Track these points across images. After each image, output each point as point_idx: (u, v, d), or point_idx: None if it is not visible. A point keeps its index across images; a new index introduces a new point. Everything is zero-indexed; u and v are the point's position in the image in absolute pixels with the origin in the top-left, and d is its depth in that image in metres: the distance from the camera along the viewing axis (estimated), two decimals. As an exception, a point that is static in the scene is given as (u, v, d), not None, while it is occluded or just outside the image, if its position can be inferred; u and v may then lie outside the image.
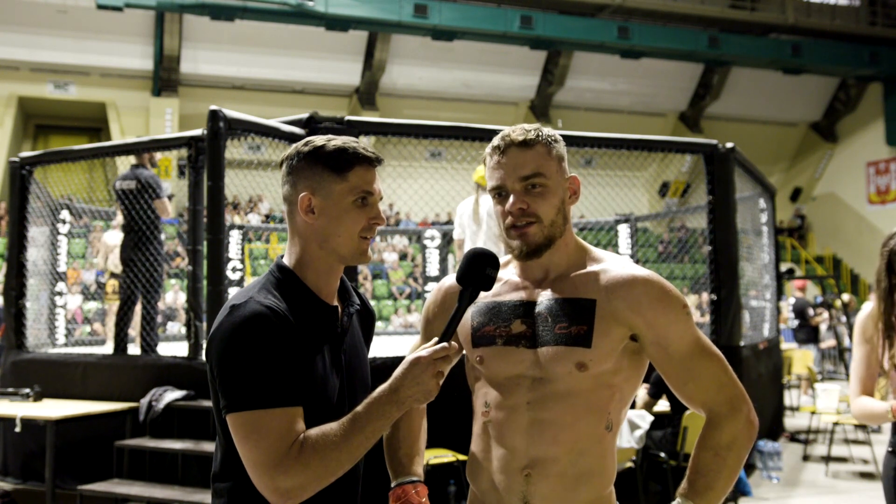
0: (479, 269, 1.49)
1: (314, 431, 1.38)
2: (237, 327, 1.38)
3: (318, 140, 1.52)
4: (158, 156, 6.43)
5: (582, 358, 1.51)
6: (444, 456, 4.44)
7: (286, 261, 1.55)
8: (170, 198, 13.80)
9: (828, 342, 12.24)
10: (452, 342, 1.43)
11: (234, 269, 8.39)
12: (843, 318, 11.43)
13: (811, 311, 11.21)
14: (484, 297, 1.63)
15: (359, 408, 1.40)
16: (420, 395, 1.39)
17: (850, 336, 11.00)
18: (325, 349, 1.50)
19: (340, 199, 1.49)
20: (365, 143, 1.55)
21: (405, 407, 1.40)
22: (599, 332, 1.51)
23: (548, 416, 1.52)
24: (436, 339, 1.43)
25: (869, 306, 2.61)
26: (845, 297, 11.41)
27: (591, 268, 1.59)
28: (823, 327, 12.59)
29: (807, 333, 11.01)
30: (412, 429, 1.72)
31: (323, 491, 1.40)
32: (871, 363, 2.47)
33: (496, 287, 1.62)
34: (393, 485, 1.66)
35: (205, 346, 5.05)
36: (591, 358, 1.51)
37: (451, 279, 1.74)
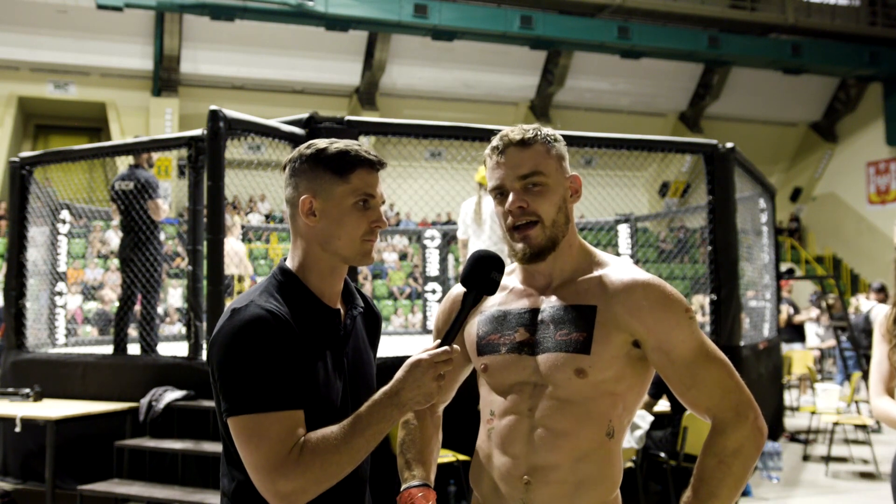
0: (483, 272, 1.48)
1: (314, 435, 1.38)
2: (237, 331, 1.38)
3: (321, 143, 1.52)
4: (157, 156, 6.42)
5: (581, 364, 1.49)
6: (445, 456, 4.45)
7: (289, 263, 1.54)
8: (183, 214, 13.79)
9: (828, 342, 12.28)
10: (455, 345, 1.42)
11: (234, 269, 8.39)
12: (835, 319, 11.43)
13: (791, 310, 11.25)
14: (490, 306, 1.63)
15: (360, 410, 1.40)
16: (421, 397, 1.39)
17: (837, 338, 11.06)
18: (327, 353, 1.50)
19: (341, 202, 1.49)
20: (367, 147, 1.55)
21: (406, 409, 1.39)
22: (599, 338, 1.50)
23: (548, 424, 1.51)
24: (437, 341, 1.43)
25: (871, 306, 2.61)
26: (831, 298, 11.37)
27: (593, 273, 1.57)
28: (813, 326, 12.66)
29: (790, 333, 11.04)
30: (424, 434, 1.72)
31: (329, 493, 1.39)
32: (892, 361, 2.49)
33: (502, 296, 1.63)
34: (401, 489, 1.66)
35: (206, 348, 5.06)
36: (591, 364, 1.49)
37: (459, 287, 1.74)
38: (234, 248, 8.11)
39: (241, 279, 8.09)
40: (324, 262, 1.52)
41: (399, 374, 1.40)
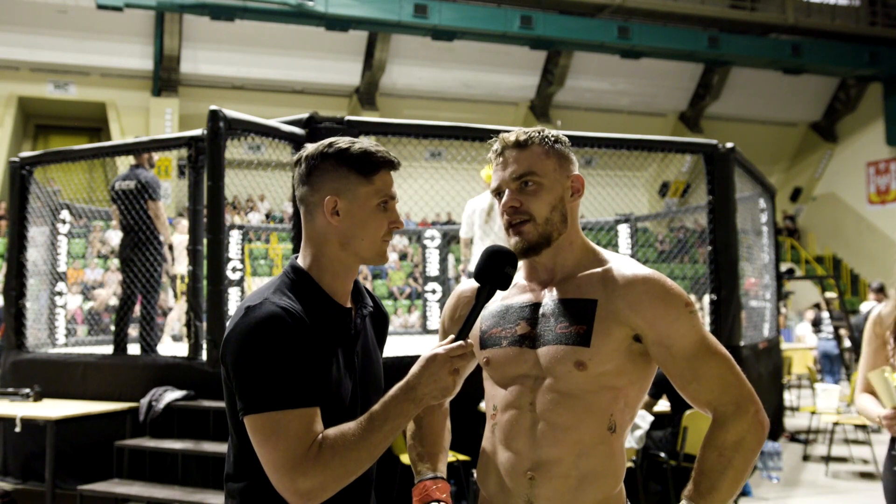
0: (497, 266, 1.49)
1: (332, 431, 1.38)
2: (253, 329, 1.38)
3: (342, 142, 1.51)
4: (157, 156, 6.43)
5: (581, 357, 1.50)
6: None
7: (300, 262, 1.54)
8: (182, 213, 13.76)
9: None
10: (469, 340, 1.43)
11: (234, 269, 8.40)
12: (835, 319, 11.45)
13: None
14: (493, 301, 1.63)
15: (376, 406, 1.39)
16: (437, 391, 1.39)
17: (840, 338, 11.09)
18: (339, 351, 1.50)
19: (366, 203, 1.49)
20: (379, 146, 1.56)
21: (422, 404, 1.39)
22: (599, 331, 1.51)
23: (550, 418, 1.52)
24: (452, 336, 1.43)
25: (871, 306, 2.70)
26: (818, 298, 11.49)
27: (595, 269, 1.59)
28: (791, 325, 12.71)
29: None
30: (434, 426, 1.73)
31: (336, 493, 1.39)
32: (878, 360, 2.54)
33: (506, 291, 1.63)
34: (415, 481, 1.66)
35: (205, 347, 5.06)
36: (590, 357, 1.50)
37: (465, 285, 1.76)
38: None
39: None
40: (340, 262, 1.52)
41: (415, 368, 1.40)
